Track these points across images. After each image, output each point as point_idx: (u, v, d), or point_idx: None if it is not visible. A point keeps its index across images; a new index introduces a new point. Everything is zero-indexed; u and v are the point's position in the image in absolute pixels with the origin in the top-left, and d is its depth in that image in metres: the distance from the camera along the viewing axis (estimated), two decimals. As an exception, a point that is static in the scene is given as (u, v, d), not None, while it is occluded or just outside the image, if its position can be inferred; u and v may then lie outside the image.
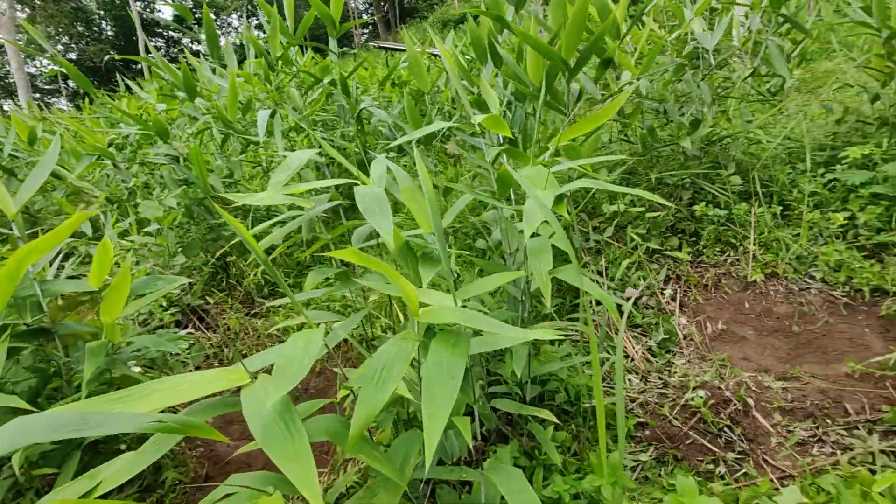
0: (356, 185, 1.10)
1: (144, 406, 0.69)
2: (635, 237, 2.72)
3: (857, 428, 1.72)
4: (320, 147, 1.29)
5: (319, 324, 0.83)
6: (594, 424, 1.82)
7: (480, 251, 2.36)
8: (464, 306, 0.86)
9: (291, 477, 0.60)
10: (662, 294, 2.61)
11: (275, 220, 1.16)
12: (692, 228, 2.96)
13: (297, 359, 0.72)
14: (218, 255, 2.96)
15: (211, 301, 2.83)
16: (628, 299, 2.52)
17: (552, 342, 1.88)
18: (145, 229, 2.69)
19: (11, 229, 1.38)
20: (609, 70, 2.87)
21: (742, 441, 1.73)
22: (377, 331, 2.28)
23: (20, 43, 16.72)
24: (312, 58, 5.84)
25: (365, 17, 41.59)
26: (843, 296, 2.44)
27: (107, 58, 3.20)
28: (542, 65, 2.09)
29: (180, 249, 2.78)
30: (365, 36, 37.16)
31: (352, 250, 0.73)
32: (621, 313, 2.33)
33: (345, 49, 2.90)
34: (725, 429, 1.78)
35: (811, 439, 1.72)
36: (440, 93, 5.09)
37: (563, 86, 2.54)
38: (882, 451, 1.60)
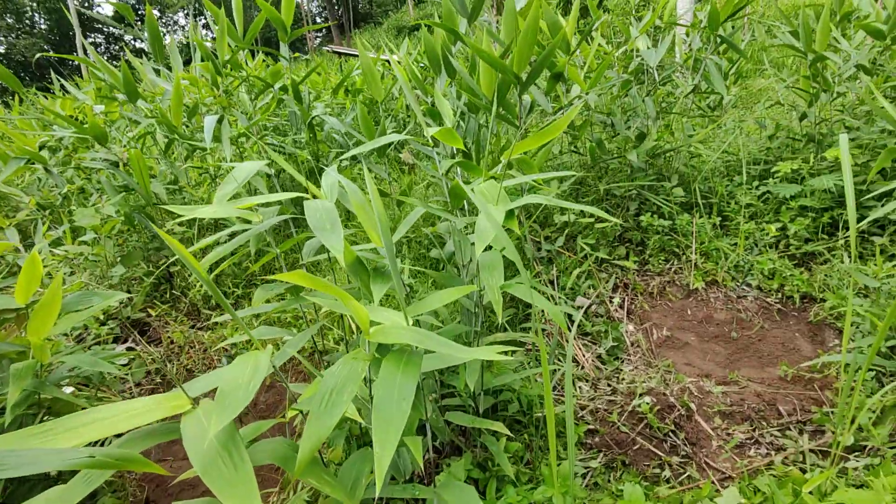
0: (307, 198, 1.08)
1: (71, 440, 0.64)
2: (585, 247, 2.79)
3: (790, 429, 1.82)
4: (269, 158, 1.25)
5: (267, 344, 0.81)
6: (546, 433, 1.85)
7: (434, 261, 2.36)
8: (416, 322, 0.85)
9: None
10: (611, 302, 2.69)
11: (220, 233, 1.12)
12: (639, 238, 3.06)
13: (241, 385, 0.69)
14: (163, 266, 2.84)
15: (153, 313, 2.70)
16: (579, 308, 2.58)
17: (503, 352, 1.90)
18: (80, 238, 2.54)
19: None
20: (559, 83, 2.94)
21: (686, 445, 1.80)
22: (329, 342, 2.23)
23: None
24: (263, 60, 5.71)
25: (318, 20, 41.08)
26: (776, 302, 2.58)
27: (38, 55, 3.02)
28: (495, 77, 2.12)
29: (119, 259, 2.64)
30: (318, 39, 36.68)
31: (300, 273, 0.71)
32: (571, 323, 2.38)
33: (296, 54, 2.86)
34: (670, 433, 1.85)
35: (749, 441, 1.80)
36: (395, 100, 5.07)
37: (516, 98, 2.59)
38: (811, 451, 1.69)
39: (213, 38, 3.07)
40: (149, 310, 2.70)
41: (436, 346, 0.77)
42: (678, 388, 2.06)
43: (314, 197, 1.22)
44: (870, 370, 1.87)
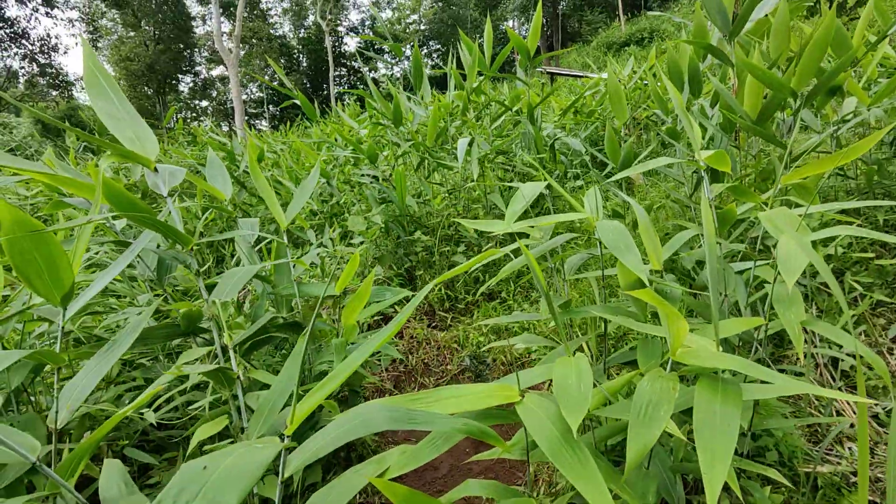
0: (588, 218, 1.15)
1: (440, 409, 0.80)
2: (857, 286, 2.39)
3: None
4: (546, 181, 1.37)
5: (575, 352, 0.89)
6: (808, 492, 1.64)
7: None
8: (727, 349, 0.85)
9: (586, 495, 0.66)
10: (891, 354, 2.26)
11: (507, 247, 1.25)
12: (931, 281, 2.51)
13: (573, 386, 0.78)
14: (405, 268, 3.24)
15: (399, 310, 3.10)
16: (848, 355, 2.22)
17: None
18: (350, 241, 3.04)
19: (283, 238, 1.67)
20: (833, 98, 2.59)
21: None
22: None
23: (238, 75, 20.01)
24: (493, 86, 6.11)
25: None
26: None
27: (341, 90, 3.70)
28: (761, 95, 1.97)
29: (376, 259, 3.09)
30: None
31: (648, 292, 0.77)
32: (844, 374, 2.07)
33: (507, 75, 3.01)
34: None
35: None
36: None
37: (781, 117, 2.36)
38: None
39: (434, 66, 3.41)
40: (396, 307, 3.10)
41: (758, 374, 0.76)
42: None
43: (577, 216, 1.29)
44: None
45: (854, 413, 2.03)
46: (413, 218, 3.33)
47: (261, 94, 41.13)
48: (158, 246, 1.64)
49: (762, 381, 0.89)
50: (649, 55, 4.52)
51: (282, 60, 38.53)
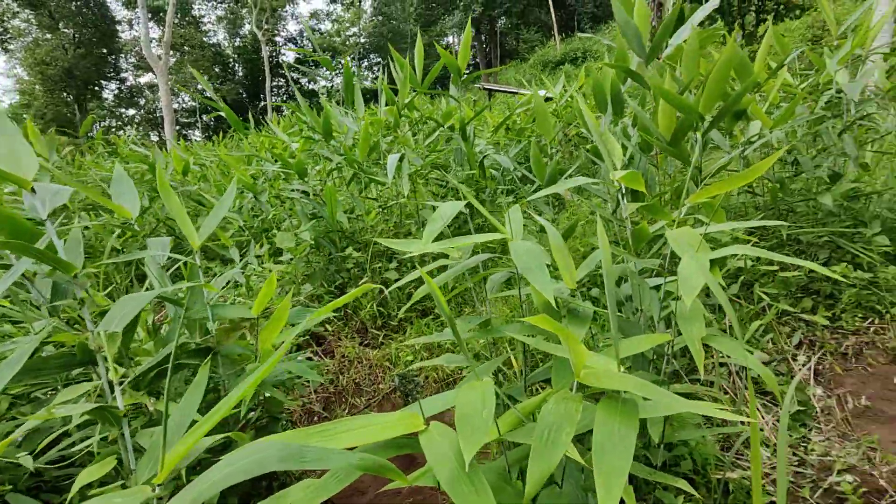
0: (507, 239, 1.16)
1: (340, 442, 0.76)
2: (763, 296, 2.55)
3: None
4: (466, 198, 1.37)
5: (485, 378, 0.88)
6: (720, 497, 1.71)
7: (594, 300, 2.33)
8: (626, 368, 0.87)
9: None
10: (794, 360, 2.41)
11: (429, 267, 1.24)
12: (828, 290, 2.72)
13: (476, 413, 0.76)
14: (338, 285, 3.17)
15: (329, 328, 3.02)
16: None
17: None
18: (278, 258, 2.94)
19: (195, 259, 1.58)
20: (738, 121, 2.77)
21: (902, 540, 1.54)
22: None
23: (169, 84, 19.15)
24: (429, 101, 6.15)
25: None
26: None
27: (277, 102, 3.59)
28: (674, 117, 2.07)
29: (306, 278, 3.00)
30: (464, 76, 38.51)
31: (544, 317, 0.77)
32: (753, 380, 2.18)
33: (442, 91, 3.06)
34: (882, 523, 1.60)
35: None
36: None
37: (693, 138, 2.49)
38: None
39: (375, 80, 3.41)
40: (326, 325, 3.02)
41: (653, 394, 0.78)
42: (888, 469, 1.78)
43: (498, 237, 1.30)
44: None
45: (763, 417, 2.15)
46: (345, 234, 3.27)
47: (193, 104, 39.53)
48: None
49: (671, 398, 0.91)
50: (579, 74, 4.70)
51: (215, 69, 37.26)
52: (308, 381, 2.65)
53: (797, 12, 9.36)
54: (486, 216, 1.37)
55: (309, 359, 2.92)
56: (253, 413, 1.72)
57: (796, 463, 1.91)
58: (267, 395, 1.70)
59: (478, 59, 35.52)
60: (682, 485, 1.28)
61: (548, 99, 5.16)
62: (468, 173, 3.04)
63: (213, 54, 37.17)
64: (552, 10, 28.82)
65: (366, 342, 3.03)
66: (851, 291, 2.63)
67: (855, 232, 2.79)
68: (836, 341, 2.52)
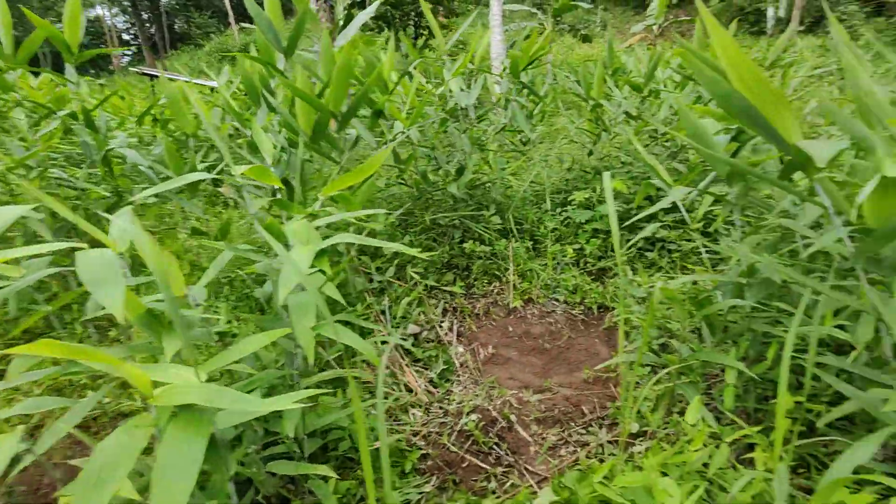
0: (82, 248, 0.97)
1: None
2: (415, 276, 2.91)
3: (592, 425, 2.08)
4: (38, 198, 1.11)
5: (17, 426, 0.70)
6: (379, 465, 1.87)
7: (257, 301, 2.26)
8: (212, 379, 0.81)
9: None
10: (441, 327, 2.82)
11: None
12: (464, 264, 3.28)
13: None
14: None
15: None
16: (411, 335, 2.66)
17: (334, 390, 1.89)
18: None
19: None
20: (382, 120, 3.05)
21: (508, 455, 1.95)
22: (137, 402, 1.99)
23: None
24: (52, 80, 5.00)
25: (126, 37, 37.09)
26: (580, 314, 2.95)
27: None
28: (313, 114, 2.13)
29: None
30: (127, 58, 33.14)
31: (48, 342, 0.63)
32: (407, 352, 2.45)
33: (87, 77, 2.55)
34: (494, 446, 1.99)
35: (560, 442, 2.02)
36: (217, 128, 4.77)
37: (338, 134, 2.62)
38: (608, 442, 1.95)
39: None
40: None
41: (227, 402, 0.74)
42: (500, 401, 2.23)
43: (98, 245, 1.10)
44: (647, 366, 2.21)
45: (417, 381, 2.44)
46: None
47: None
48: None
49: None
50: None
51: None
52: None
53: (444, 32, 11.06)
54: (75, 220, 1.14)
55: None
56: None
57: (442, 414, 2.22)
58: None
59: (139, 41, 30.83)
60: (324, 470, 1.33)
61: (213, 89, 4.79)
62: (88, 172, 2.55)
63: None
64: (223, -6, 27.02)
65: None
66: (479, 263, 3.23)
67: (479, 214, 3.42)
68: (471, 305, 3.06)
